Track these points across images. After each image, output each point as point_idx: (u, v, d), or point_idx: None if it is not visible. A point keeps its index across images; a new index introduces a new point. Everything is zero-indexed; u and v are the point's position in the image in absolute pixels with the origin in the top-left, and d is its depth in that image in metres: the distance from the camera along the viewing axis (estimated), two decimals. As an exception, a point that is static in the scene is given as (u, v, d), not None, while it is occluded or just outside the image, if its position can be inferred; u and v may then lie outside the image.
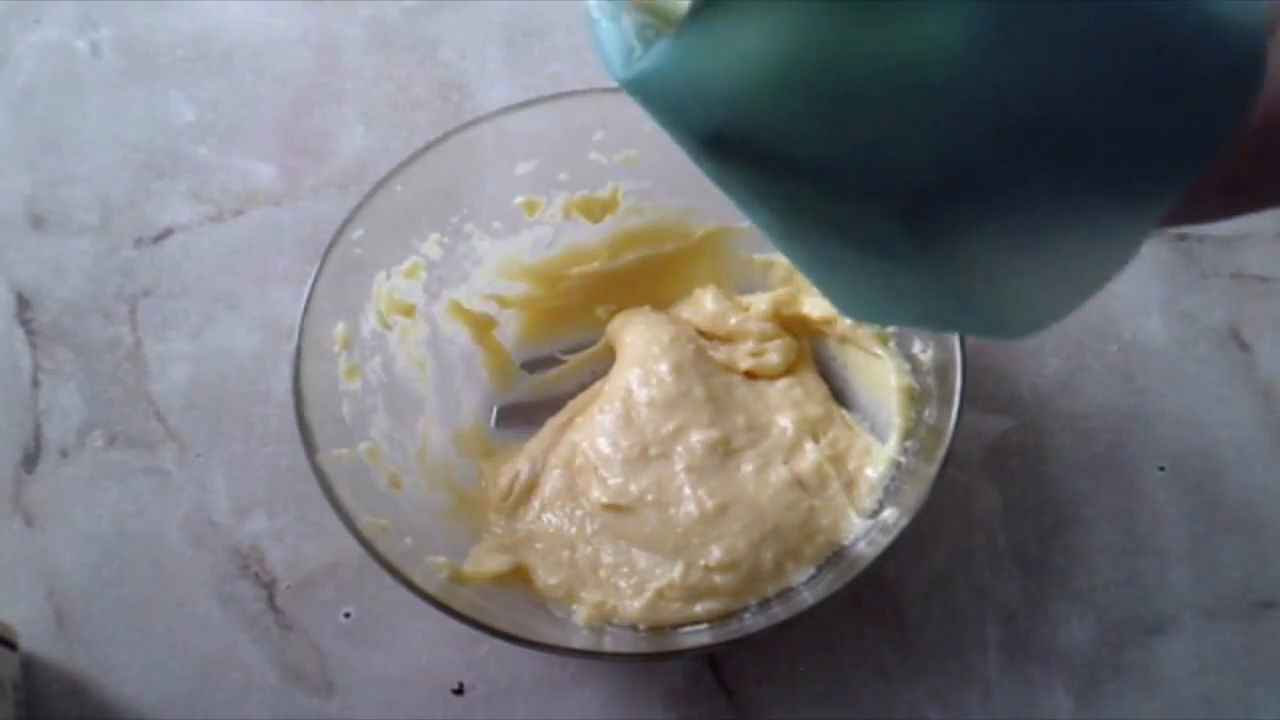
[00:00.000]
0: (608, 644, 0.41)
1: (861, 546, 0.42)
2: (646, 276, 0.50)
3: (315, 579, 0.46)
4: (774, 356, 0.47)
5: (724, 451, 0.45)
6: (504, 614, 0.39)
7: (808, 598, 0.41)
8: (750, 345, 0.48)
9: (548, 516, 0.45)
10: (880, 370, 0.46)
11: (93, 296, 0.52)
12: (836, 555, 0.43)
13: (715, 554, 0.42)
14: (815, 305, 0.48)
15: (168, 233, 0.54)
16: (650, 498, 0.44)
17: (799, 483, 0.44)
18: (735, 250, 0.50)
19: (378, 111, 0.57)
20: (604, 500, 0.44)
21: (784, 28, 0.19)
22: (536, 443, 0.47)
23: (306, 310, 0.41)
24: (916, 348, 0.44)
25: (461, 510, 0.45)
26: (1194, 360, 0.50)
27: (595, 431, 0.46)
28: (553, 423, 0.48)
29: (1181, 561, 0.46)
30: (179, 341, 0.51)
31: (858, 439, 0.46)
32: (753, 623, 0.41)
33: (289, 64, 0.58)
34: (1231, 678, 0.44)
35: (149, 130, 0.57)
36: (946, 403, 0.40)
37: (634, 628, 0.42)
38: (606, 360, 0.49)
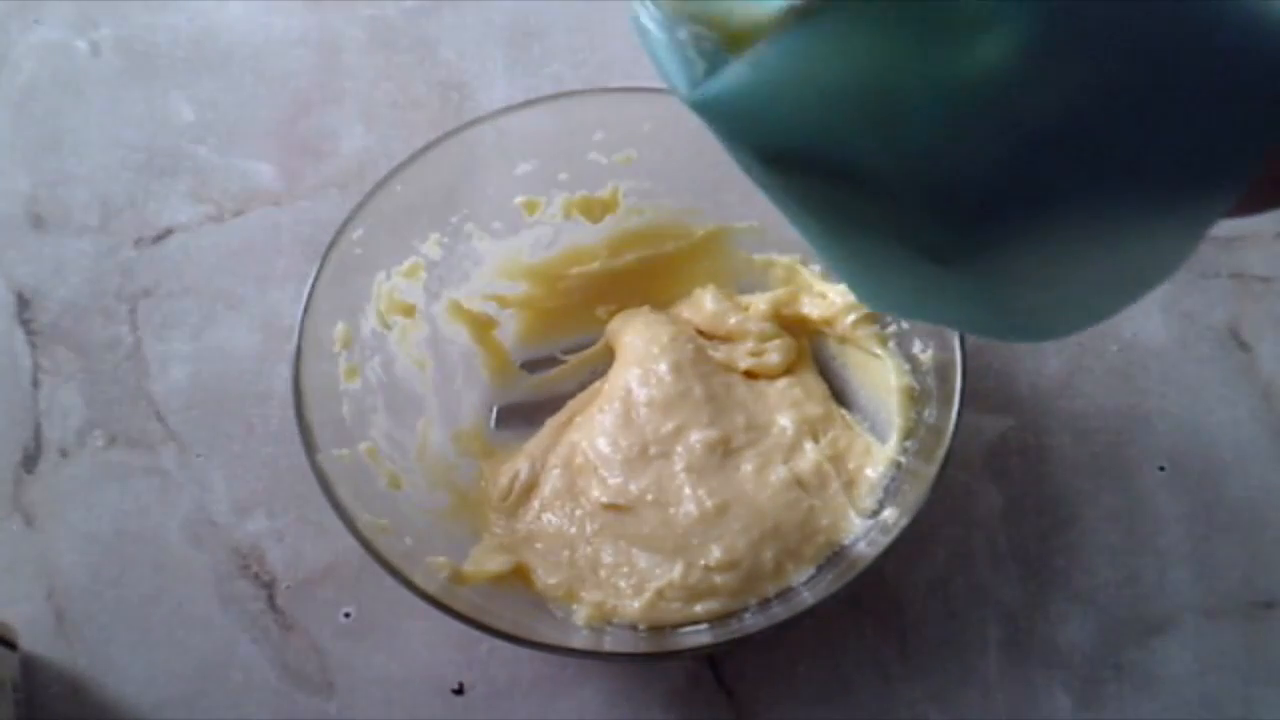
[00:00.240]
0: (608, 644, 0.42)
1: (861, 546, 0.42)
2: (646, 276, 0.50)
3: (315, 579, 0.46)
4: (774, 356, 0.47)
5: (724, 451, 0.45)
6: (504, 614, 0.39)
7: (808, 598, 0.41)
8: (750, 345, 0.48)
9: (547, 516, 0.45)
10: (880, 370, 0.46)
11: (93, 296, 0.52)
12: (836, 555, 0.43)
13: (715, 554, 0.42)
14: (815, 305, 0.48)
15: (168, 233, 0.54)
16: (650, 497, 0.44)
17: (799, 482, 0.44)
18: (735, 250, 0.50)
19: (378, 111, 0.57)
20: (604, 500, 0.44)
21: (856, 51, 0.19)
22: (536, 443, 0.47)
23: (306, 310, 0.41)
24: (916, 348, 0.44)
25: (461, 510, 0.45)
26: (1194, 360, 0.50)
27: (595, 431, 0.46)
28: (552, 422, 0.48)
29: (1181, 561, 0.46)
30: (179, 341, 0.51)
31: (858, 439, 0.46)
32: (753, 623, 0.41)
33: (289, 64, 0.58)
34: (1231, 678, 0.44)
35: (149, 130, 0.57)
36: (946, 403, 0.40)
37: (634, 628, 0.42)
38: (606, 360, 0.49)
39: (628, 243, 0.50)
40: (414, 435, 0.46)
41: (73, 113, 0.57)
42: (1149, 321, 0.50)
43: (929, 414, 0.42)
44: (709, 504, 0.43)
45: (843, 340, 0.48)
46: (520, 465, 0.46)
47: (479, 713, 0.44)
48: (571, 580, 0.43)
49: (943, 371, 0.41)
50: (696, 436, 0.45)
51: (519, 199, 0.47)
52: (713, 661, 0.44)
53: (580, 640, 0.41)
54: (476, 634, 0.37)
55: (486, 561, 0.43)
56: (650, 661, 0.44)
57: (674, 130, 0.42)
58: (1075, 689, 0.43)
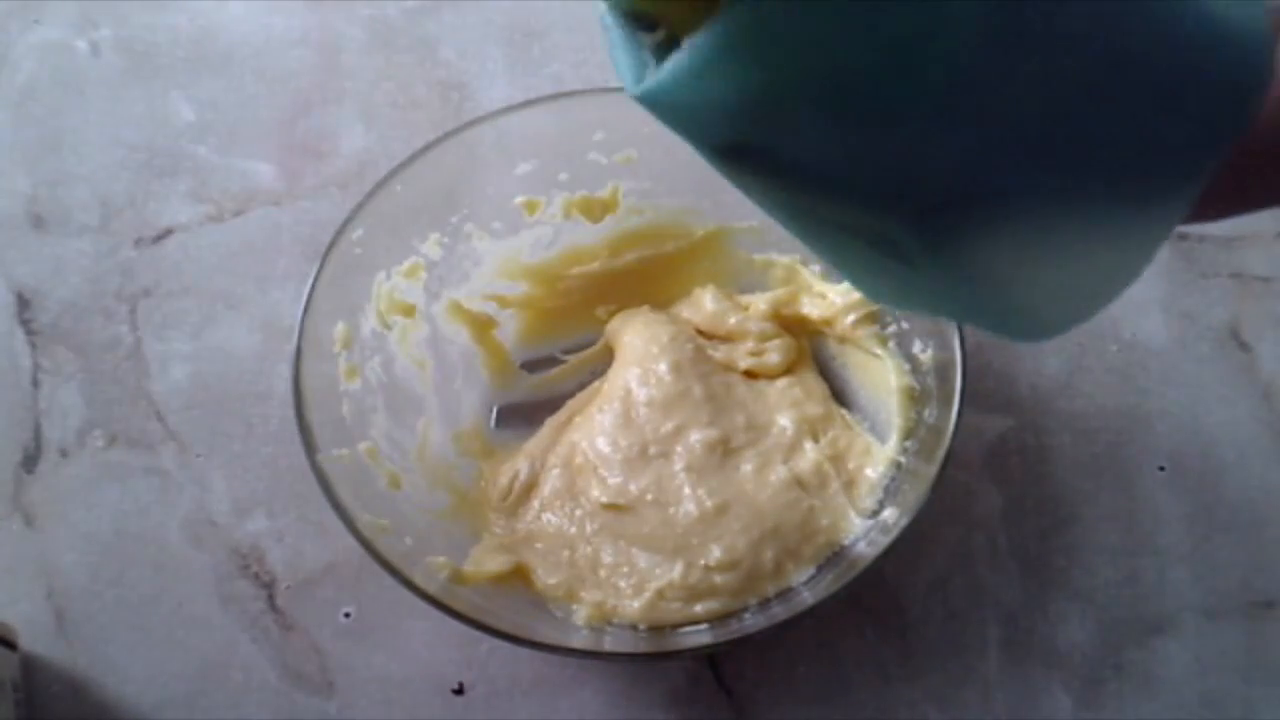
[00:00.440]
0: (608, 644, 0.42)
1: (861, 546, 0.42)
2: (646, 276, 0.50)
3: (315, 579, 0.46)
4: (773, 356, 0.47)
5: (723, 451, 0.45)
6: (504, 614, 0.39)
7: (808, 598, 0.41)
8: (750, 345, 0.48)
9: (547, 516, 0.45)
10: (880, 370, 0.46)
11: (93, 296, 0.52)
12: (836, 555, 0.43)
13: (715, 554, 0.42)
14: (815, 305, 0.48)
15: (168, 233, 0.54)
16: (650, 497, 0.44)
17: (799, 482, 0.44)
18: (735, 250, 0.50)
19: (378, 111, 0.57)
20: (603, 500, 0.44)
21: (791, 43, 0.18)
22: (536, 442, 0.47)
23: (306, 310, 0.41)
24: (916, 348, 0.44)
25: (461, 510, 0.45)
26: (1194, 360, 0.50)
27: (594, 431, 0.46)
28: (552, 422, 0.48)
29: (1181, 561, 0.46)
30: (179, 341, 0.51)
31: (858, 439, 0.46)
32: (753, 623, 0.41)
33: (289, 64, 0.58)
34: (1231, 678, 0.44)
35: (149, 130, 0.57)
36: (946, 403, 0.40)
37: (634, 628, 0.42)
38: (606, 360, 0.49)
39: (628, 243, 0.50)
40: (414, 435, 0.46)
41: (73, 113, 0.57)
42: (1149, 321, 0.50)
43: (929, 414, 0.42)
44: (709, 504, 0.43)
45: (843, 340, 0.48)
46: (520, 465, 0.46)
47: (479, 713, 0.44)
48: (571, 580, 0.43)
49: (943, 371, 0.41)
50: (696, 436, 0.45)
51: (519, 199, 0.47)
52: (713, 661, 0.44)
53: (580, 640, 0.41)
54: (476, 634, 0.37)
55: (486, 561, 0.43)
56: (650, 661, 0.44)
57: (674, 130, 0.42)
58: (1075, 689, 0.43)
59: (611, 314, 0.50)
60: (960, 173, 0.20)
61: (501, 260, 0.49)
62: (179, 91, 0.58)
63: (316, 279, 0.42)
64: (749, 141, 0.20)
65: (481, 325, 0.49)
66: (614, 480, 0.44)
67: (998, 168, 0.20)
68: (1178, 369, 0.49)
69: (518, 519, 0.45)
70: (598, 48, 0.58)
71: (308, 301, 0.41)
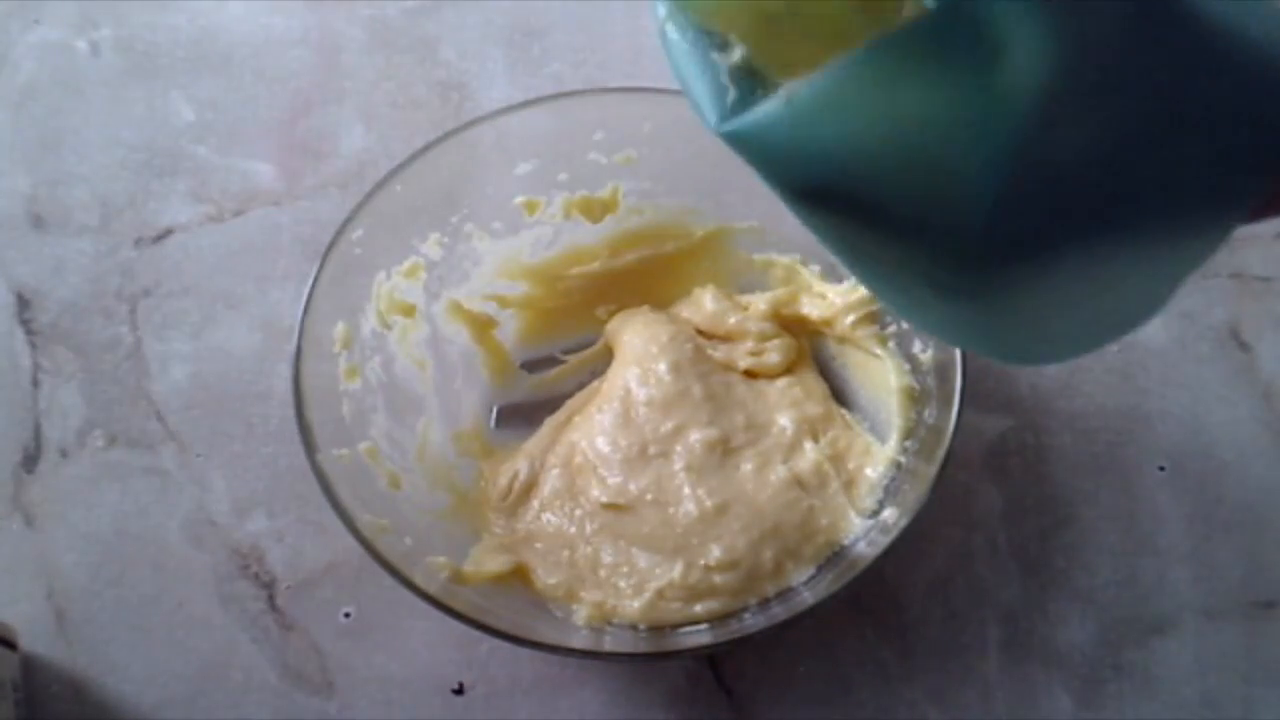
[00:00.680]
0: (608, 644, 0.41)
1: (861, 546, 0.42)
2: (646, 276, 0.50)
3: (315, 579, 0.46)
4: (773, 356, 0.47)
5: (723, 451, 0.45)
6: (504, 614, 0.39)
7: (808, 598, 0.41)
8: (749, 345, 0.48)
9: (547, 516, 0.45)
10: (880, 370, 0.46)
11: (93, 296, 0.52)
12: (836, 555, 0.43)
13: (715, 553, 0.42)
14: (815, 305, 0.48)
15: (168, 233, 0.54)
16: (649, 497, 0.44)
17: (798, 482, 0.44)
18: (735, 250, 0.50)
19: (378, 111, 0.57)
20: (603, 500, 0.44)
21: (891, 94, 0.19)
22: (535, 442, 0.47)
23: (306, 310, 0.41)
24: (916, 348, 0.44)
25: (461, 510, 0.45)
26: (1194, 360, 0.50)
27: (594, 431, 0.46)
28: (551, 422, 0.48)
29: (1181, 561, 0.46)
30: (179, 341, 0.51)
31: (857, 439, 0.46)
32: (753, 623, 0.41)
33: (289, 64, 0.58)
34: (1231, 678, 0.44)
35: (149, 130, 0.57)
36: (946, 403, 0.40)
37: (634, 628, 0.42)
38: (606, 360, 0.49)
39: (628, 243, 0.50)
40: (414, 435, 0.46)
41: (73, 113, 0.57)
42: (1149, 321, 0.50)
43: (929, 414, 0.42)
44: (709, 504, 0.43)
45: (843, 340, 0.48)
46: (520, 465, 0.46)
47: (479, 713, 0.44)
48: (571, 580, 0.43)
49: (943, 371, 0.41)
50: (696, 436, 0.45)
51: (519, 199, 0.47)
52: (713, 661, 0.44)
53: (580, 640, 0.41)
54: (476, 634, 0.37)
55: (486, 561, 0.43)
56: (650, 661, 0.44)
57: (674, 130, 0.42)
58: (1075, 689, 0.43)
59: (611, 314, 0.50)
60: (1004, 222, 0.21)
61: (501, 260, 0.49)
62: (179, 91, 0.58)
63: (316, 279, 0.42)
64: (835, 187, 0.21)
65: (481, 325, 0.49)
66: (614, 480, 0.44)
67: (1047, 218, 0.21)
68: (1178, 369, 0.49)
69: (517, 519, 0.45)
70: (598, 48, 0.58)
71: (308, 301, 0.41)
